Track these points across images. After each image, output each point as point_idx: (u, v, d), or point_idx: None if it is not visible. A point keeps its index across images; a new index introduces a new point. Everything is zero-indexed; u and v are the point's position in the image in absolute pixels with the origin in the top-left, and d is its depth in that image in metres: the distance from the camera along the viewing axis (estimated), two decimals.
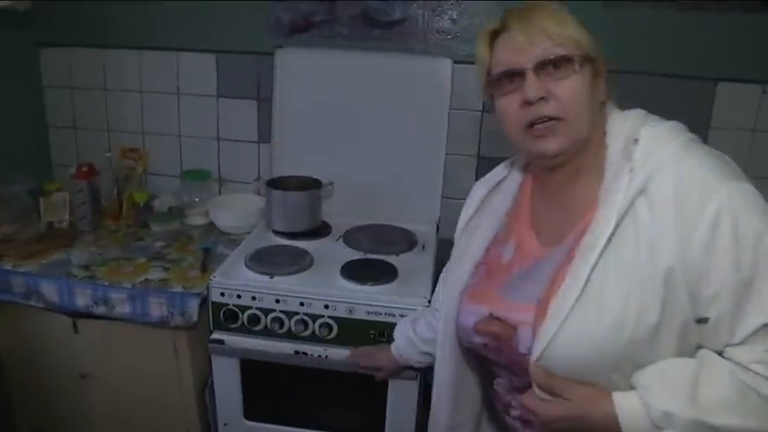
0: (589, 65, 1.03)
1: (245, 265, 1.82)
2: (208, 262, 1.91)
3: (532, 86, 1.01)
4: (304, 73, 2.16)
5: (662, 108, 2.19)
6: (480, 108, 2.18)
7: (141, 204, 2.20)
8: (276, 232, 2.04)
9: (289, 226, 2.02)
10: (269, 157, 2.27)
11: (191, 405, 1.89)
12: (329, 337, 1.72)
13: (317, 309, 1.70)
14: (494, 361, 1.14)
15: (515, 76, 1.04)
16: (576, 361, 0.98)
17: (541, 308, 1.02)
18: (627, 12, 2.05)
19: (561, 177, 1.10)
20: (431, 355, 1.51)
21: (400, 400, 1.75)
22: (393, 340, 1.62)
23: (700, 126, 2.12)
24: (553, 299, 1.00)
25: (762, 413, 0.91)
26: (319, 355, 1.73)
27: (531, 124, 1.04)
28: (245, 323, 1.74)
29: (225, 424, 1.88)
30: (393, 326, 1.65)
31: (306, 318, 1.71)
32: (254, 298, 1.72)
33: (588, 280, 0.96)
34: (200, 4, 2.22)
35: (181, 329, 1.79)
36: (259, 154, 2.34)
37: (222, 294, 1.74)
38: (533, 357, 1.00)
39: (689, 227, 0.92)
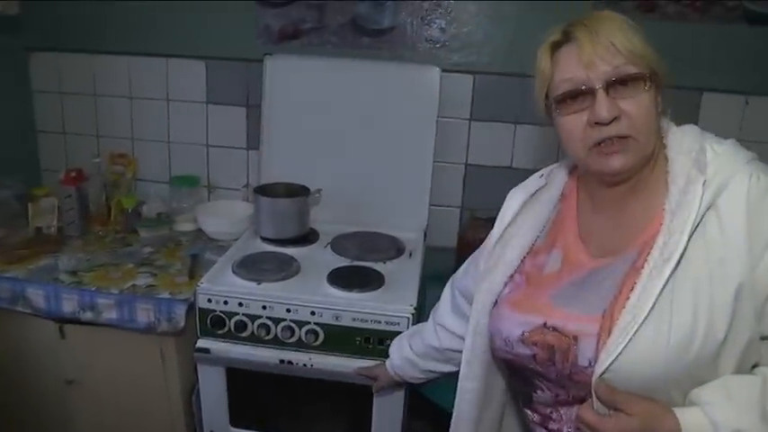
0: (655, 80, 1.00)
1: (233, 271, 1.82)
2: (195, 268, 1.91)
3: (604, 107, 0.97)
4: (293, 80, 2.17)
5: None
6: (468, 116, 2.20)
7: (130, 210, 2.21)
8: (264, 239, 2.05)
9: (277, 233, 2.03)
10: (258, 164, 2.28)
11: (177, 412, 1.89)
12: (315, 344, 1.72)
13: (304, 315, 1.71)
14: (538, 373, 1.09)
15: (581, 95, 1.00)
16: (642, 375, 0.94)
17: (607, 319, 0.98)
18: None
19: (621, 190, 1.06)
20: (433, 372, 1.52)
21: (386, 408, 1.75)
22: (379, 345, 1.63)
23: None
24: (622, 311, 0.96)
25: None
26: (304, 364, 1.73)
27: (599, 142, 1.00)
28: (232, 329, 1.74)
29: (211, 431, 1.88)
30: (379, 332, 1.67)
31: (292, 324, 1.71)
32: (240, 304, 1.73)
33: (660, 295, 0.93)
34: (190, 11, 2.23)
35: (168, 336, 1.79)
36: (248, 160, 2.35)
37: (209, 300, 1.74)
38: (599, 370, 0.95)
39: (761, 242, 0.91)
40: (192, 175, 2.35)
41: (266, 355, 1.74)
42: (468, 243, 2.17)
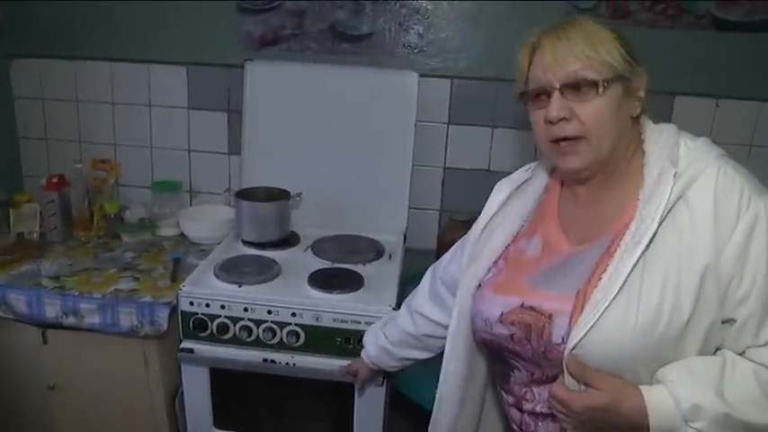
0: (619, 84, 1.05)
1: (215, 274, 1.85)
2: (178, 272, 1.93)
3: (554, 107, 1.05)
4: (273, 85, 2.20)
5: None
6: (446, 120, 2.24)
7: (112, 215, 2.22)
8: (245, 242, 2.07)
9: (258, 236, 2.05)
10: (239, 169, 2.30)
11: (161, 415, 1.91)
12: (296, 345, 1.75)
13: (285, 317, 1.74)
14: (514, 353, 1.14)
15: (543, 94, 1.08)
16: (611, 352, 0.99)
17: (580, 299, 1.03)
18: None
19: (593, 184, 1.13)
20: (408, 359, 1.55)
21: (367, 405, 1.78)
22: (359, 345, 1.66)
23: None
24: (593, 291, 1.01)
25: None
26: (287, 363, 1.75)
27: (557, 140, 1.07)
28: (214, 332, 1.76)
29: None
30: (359, 333, 1.69)
31: (273, 326, 1.74)
32: (222, 307, 1.75)
33: (630, 275, 0.99)
34: (171, 17, 2.25)
35: (151, 339, 1.81)
36: (229, 165, 2.37)
37: (191, 303, 1.76)
38: (570, 345, 1.01)
39: (726, 231, 0.97)
40: (174, 180, 2.37)
41: (249, 355, 1.76)
42: (447, 245, 2.17)
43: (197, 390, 1.83)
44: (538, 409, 1.14)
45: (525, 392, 1.16)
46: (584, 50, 1.04)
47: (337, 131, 2.19)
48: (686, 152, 1.04)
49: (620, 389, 1.00)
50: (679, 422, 0.96)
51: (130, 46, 2.31)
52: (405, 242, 2.17)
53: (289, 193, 2.09)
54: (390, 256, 2.04)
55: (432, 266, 1.54)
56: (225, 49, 2.26)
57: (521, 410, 1.18)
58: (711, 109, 2.18)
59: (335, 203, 2.20)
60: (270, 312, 1.74)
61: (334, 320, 1.72)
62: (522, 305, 1.11)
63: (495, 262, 1.22)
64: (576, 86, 1.04)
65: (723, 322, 1.00)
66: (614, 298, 0.98)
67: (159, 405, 1.89)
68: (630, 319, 0.98)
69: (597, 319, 0.98)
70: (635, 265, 0.99)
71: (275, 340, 1.75)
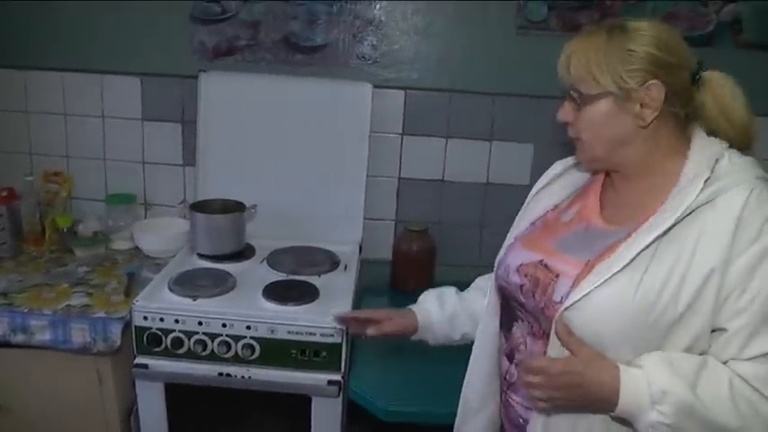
0: (609, 98, 1.11)
1: (169, 288, 1.83)
2: (132, 286, 1.91)
3: (560, 111, 1.18)
4: (227, 96, 2.20)
5: None
6: (400, 131, 2.27)
7: (65, 229, 2.19)
8: (201, 255, 2.06)
9: (213, 249, 2.05)
10: (194, 181, 2.29)
11: None
12: (252, 358, 1.74)
13: (240, 330, 1.73)
14: (520, 304, 1.23)
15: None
16: (601, 322, 1.06)
17: (588, 267, 1.11)
18: (539, 40, 2.18)
19: (623, 176, 1.20)
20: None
21: (324, 417, 1.78)
22: (315, 357, 1.69)
23: None
24: (602, 262, 1.09)
25: (749, 423, 1.00)
26: (243, 376, 1.75)
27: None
28: (169, 346, 1.75)
29: None
30: (314, 345, 1.71)
31: (228, 339, 1.74)
32: (176, 321, 1.74)
33: (639, 254, 1.05)
34: (124, 27, 2.23)
35: (104, 355, 1.78)
36: (184, 177, 2.35)
37: (145, 318, 1.74)
38: (567, 303, 1.08)
39: (742, 244, 1.02)
40: (129, 193, 2.34)
41: (205, 369, 1.75)
42: (402, 255, 2.23)
43: (152, 406, 1.82)
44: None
45: (520, 343, 1.24)
46: (573, 65, 1.13)
47: (292, 143, 2.19)
48: (727, 164, 1.09)
49: (598, 359, 1.05)
50: (646, 403, 1.00)
51: (82, 56, 2.28)
52: (360, 253, 2.19)
53: (244, 205, 2.09)
54: (346, 267, 2.05)
55: None
56: (179, 60, 2.24)
57: (511, 360, 1.27)
58: None
59: (291, 215, 2.20)
60: (224, 326, 1.73)
61: (289, 332, 1.72)
62: (540, 261, 1.21)
63: (533, 223, 1.33)
64: (572, 95, 1.15)
65: (713, 331, 1.04)
66: (619, 271, 1.05)
67: (114, 423, 1.86)
68: (628, 295, 1.04)
69: (597, 286, 1.06)
70: (646, 248, 1.05)
71: (230, 354, 1.75)
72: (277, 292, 1.82)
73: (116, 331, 1.74)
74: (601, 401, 1.04)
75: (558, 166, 1.39)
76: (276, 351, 1.74)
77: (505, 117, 2.25)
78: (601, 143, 1.15)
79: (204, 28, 2.22)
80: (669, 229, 1.05)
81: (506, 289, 1.28)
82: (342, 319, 1.57)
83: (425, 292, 1.58)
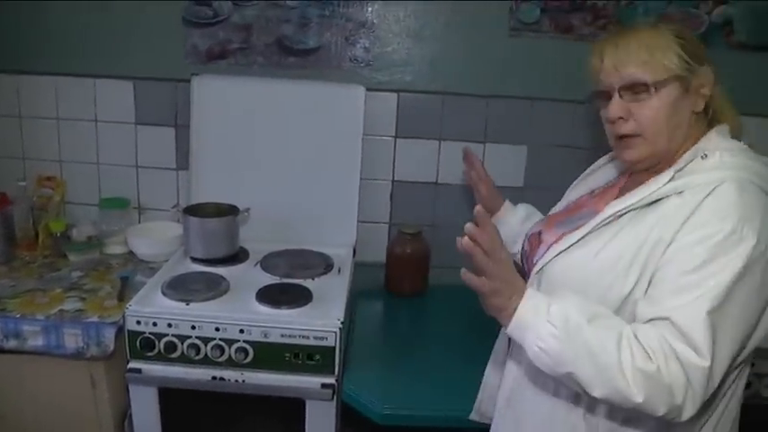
0: (676, 83, 1.15)
1: (162, 292, 1.83)
2: (125, 291, 1.91)
3: (613, 108, 1.18)
4: (220, 100, 2.19)
5: (572, 132, 2.33)
6: (393, 134, 2.27)
7: (58, 234, 2.18)
8: (194, 259, 2.06)
9: (206, 252, 2.04)
10: (188, 184, 2.28)
11: None
12: (245, 362, 1.73)
13: (233, 333, 1.72)
14: (520, 269, 1.30)
15: (604, 95, 1.21)
16: (560, 285, 1.18)
17: (559, 237, 1.26)
18: (531, 42, 2.18)
19: (654, 171, 1.22)
20: None
21: (318, 420, 1.77)
22: (308, 360, 1.70)
23: (606, 148, 2.25)
24: (570, 234, 1.22)
25: (624, 359, 1.02)
26: (236, 380, 1.74)
27: (617, 137, 1.22)
28: (162, 351, 1.74)
29: None
30: (307, 348, 1.71)
31: (221, 343, 1.73)
32: (169, 325, 1.73)
33: (597, 228, 1.17)
34: (116, 31, 2.23)
35: (97, 360, 1.78)
36: (177, 181, 2.35)
37: (138, 323, 1.73)
38: (536, 267, 1.26)
39: (688, 228, 1.07)
40: (122, 197, 2.33)
41: (198, 373, 1.75)
42: (396, 258, 2.23)
43: (146, 410, 1.81)
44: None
45: None
46: (639, 55, 1.15)
47: (285, 146, 2.19)
48: (713, 162, 1.14)
49: (514, 279, 1.11)
50: (542, 316, 1.06)
51: (75, 60, 2.27)
52: (354, 256, 2.18)
53: (237, 209, 2.08)
54: (340, 270, 2.05)
55: None
56: (171, 64, 2.24)
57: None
58: None
59: (285, 218, 2.20)
60: (218, 330, 1.72)
61: (283, 336, 1.71)
62: (539, 232, 1.37)
63: (567, 205, 1.45)
64: (631, 88, 1.16)
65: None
66: (581, 240, 1.18)
67: (107, 428, 1.86)
68: (586, 263, 1.16)
69: (560, 254, 1.21)
70: (607, 223, 1.16)
71: (224, 358, 1.74)
72: (270, 296, 1.82)
73: (109, 336, 1.74)
74: (505, 303, 1.09)
75: (602, 158, 1.49)
76: (269, 354, 1.73)
77: (499, 119, 2.26)
78: (665, 135, 1.17)
79: (197, 31, 2.22)
80: (629, 210, 1.14)
81: (519, 255, 1.48)
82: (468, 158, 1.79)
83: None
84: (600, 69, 1.21)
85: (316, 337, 1.70)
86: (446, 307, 2.21)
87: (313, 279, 1.96)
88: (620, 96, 1.17)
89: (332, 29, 2.19)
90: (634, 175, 1.31)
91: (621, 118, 1.17)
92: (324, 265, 2.06)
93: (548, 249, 1.25)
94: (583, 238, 1.18)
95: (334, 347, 1.72)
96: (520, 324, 1.09)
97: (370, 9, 2.18)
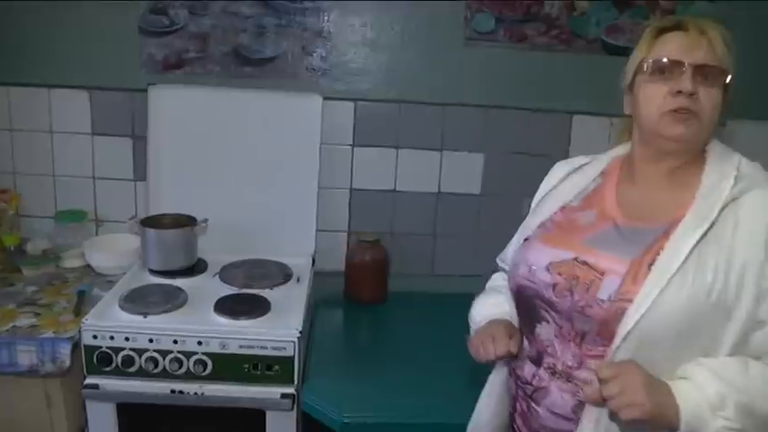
0: (727, 87, 1.17)
1: (119, 305, 1.81)
2: (82, 305, 1.88)
3: (689, 81, 1.14)
4: (178, 110, 2.18)
5: (529, 139, 2.36)
6: (351, 142, 2.28)
7: (12, 248, 2.15)
8: (152, 271, 2.04)
9: (164, 264, 2.03)
10: (145, 196, 2.26)
11: None
12: (204, 374, 1.73)
13: (191, 346, 1.72)
14: (548, 303, 1.21)
15: (674, 67, 1.16)
16: (659, 322, 1.06)
17: (635, 266, 1.11)
18: (486, 51, 2.22)
19: (664, 168, 1.22)
20: None
21: (279, 430, 1.77)
22: (267, 371, 1.70)
23: (561, 154, 2.30)
24: (653, 264, 1.10)
25: None
26: (195, 393, 1.74)
27: (674, 110, 1.16)
28: (120, 365, 1.72)
29: None
30: (266, 358, 1.71)
31: (180, 355, 1.72)
32: (127, 339, 1.72)
33: (688, 256, 1.08)
34: (71, 39, 2.20)
35: (53, 377, 1.74)
36: (135, 192, 2.33)
37: (95, 337, 1.72)
38: (638, 314, 1.06)
39: None
40: (79, 210, 2.30)
41: (157, 387, 1.74)
42: (355, 266, 2.24)
43: (104, 427, 1.78)
44: (558, 364, 1.20)
45: (547, 346, 1.22)
46: (720, 47, 1.16)
47: (243, 155, 2.19)
48: (747, 166, 1.17)
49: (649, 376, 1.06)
50: (707, 412, 1.02)
51: (29, 70, 2.23)
52: (314, 265, 2.19)
53: (195, 220, 2.07)
54: (298, 280, 2.05)
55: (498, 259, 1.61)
56: (128, 73, 2.22)
57: (538, 364, 1.24)
58: (606, 126, 2.29)
59: (244, 228, 2.19)
60: (176, 342, 1.72)
61: (241, 347, 1.72)
62: (575, 258, 1.19)
63: (542, 224, 1.32)
64: (706, 71, 1.14)
65: (758, 322, 1.08)
66: (677, 270, 1.07)
67: None
68: (684, 292, 1.06)
69: (662, 289, 1.06)
70: (693, 249, 1.08)
71: (182, 370, 1.73)
72: (228, 307, 1.82)
73: (65, 351, 1.71)
74: (664, 417, 1.04)
75: (562, 168, 1.42)
76: (228, 366, 1.73)
77: (455, 127, 2.28)
78: (709, 127, 1.17)
79: (153, 41, 2.21)
80: (711, 226, 1.10)
81: (530, 288, 1.25)
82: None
83: (485, 300, 1.50)
84: (663, 43, 1.20)
85: (274, 348, 1.71)
86: (405, 314, 2.23)
87: (271, 289, 1.96)
88: (692, 74, 1.15)
89: (288, 38, 2.20)
90: (628, 176, 1.28)
91: (693, 94, 1.14)
92: (282, 274, 2.06)
93: (622, 283, 1.11)
94: (678, 269, 1.08)
95: (292, 357, 1.73)
96: (689, 428, 1.04)
97: (326, 18, 2.19)
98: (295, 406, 1.74)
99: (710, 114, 1.15)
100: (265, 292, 1.93)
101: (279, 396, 1.73)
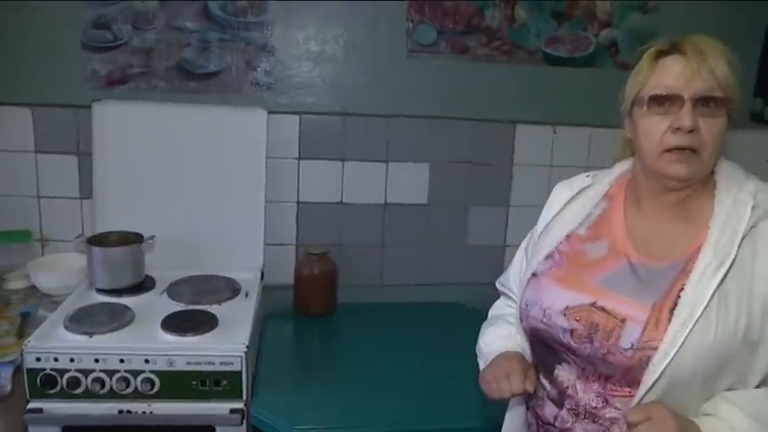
0: (730, 108, 1.12)
1: (64, 326, 1.78)
2: (25, 327, 1.85)
3: (688, 116, 1.08)
4: (122, 126, 2.17)
5: (474, 149, 2.40)
6: (297, 155, 2.29)
7: None
8: (99, 290, 2.02)
9: (111, 283, 2.01)
10: (92, 214, 2.23)
11: None
12: (152, 392, 1.72)
13: (138, 364, 1.71)
14: (568, 348, 1.17)
15: (671, 100, 1.11)
16: (687, 367, 1.04)
17: (656, 311, 1.08)
18: (429, 62, 2.25)
19: (670, 200, 1.18)
20: None
21: None
22: (215, 386, 1.69)
23: (506, 163, 2.36)
24: (676, 307, 1.06)
25: None
26: (144, 412, 1.72)
27: (671, 149, 1.11)
28: (65, 387, 1.70)
29: None
30: (214, 374, 1.71)
31: (127, 375, 1.70)
32: (72, 360, 1.69)
33: (713, 295, 1.04)
34: (11, 55, 2.16)
35: None
36: (82, 211, 2.29)
37: (38, 359, 1.69)
38: (664, 360, 1.04)
39: None
40: (24, 230, 2.25)
41: (104, 408, 1.72)
42: (304, 279, 2.25)
43: None
44: (581, 405, 1.17)
45: (567, 387, 1.19)
46: (722, 70, 1.10)
47: (189, 171, 2.19)
48: (762, 191, 1.13)
49: (679, 418, 1.04)
50: None
51: None
52: (263, 279, 2.19)
53: (142, 237, 2.06)
54: (247, 294, 2.05)
55: (497, 282, 1.57)
56: (71, 89, 2.19)
57: (560, 405, 1.21)
58: (550, 135, 2.35)
59: (191, 244, 2.19)
60: (122, 361, 1.70)
61: (188, 363, 1.71)
62: (593, 304, 1.15)
63: (550, 256, 1.27)
64: (707, 102, 1.09)
65: None
66: (701, 314, 1.04)
67: None
68: (710, 336, 1.03)
69: (688, 335, 1.03)
70: (717, 287, 1.05)
71: (130, 390, 1.72)
72: (175, 323, 1.81)
73: (5, 375, 1.67)
74: None
75: (564, 192, 1.36)
76: (176, 383, 1.72)
77: (400, 138, 2.32)
78: (714, 158, 1.13)
79: (96, 56, 2.19)
80: (732, 263, 1.06)
81: (545, 331, 1.21)
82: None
83: (494, 330, 1.42)
84: (661, 71, 1.14)
85: (222, 363, 1.71)
86: (355, 325, 2.25)
87: (219, 304, 1.96)
88: (692, 107, 1.09)
89: (232, 53, 2.20)
90: (634, 203, 1.25)
91: (693, 130, 1.09)
92: (230, 289, 2.06)
93: (644, 330, 1.08)
94: (707, 306, 1.05)
95: (240, 372, 1.73)
96: None
97: (269, 33, 2.20)
98: (245, 420, 1.73)
99: (714, 145, 1.11)
100: (213, 308, 1.93)
101: (228, 411, 1.73)
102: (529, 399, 1.31)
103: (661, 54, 1.15)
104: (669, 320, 1.06)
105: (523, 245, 1.46)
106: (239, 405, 1.74)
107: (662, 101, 1.12)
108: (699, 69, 1.09)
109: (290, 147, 2.28)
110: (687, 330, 1.03)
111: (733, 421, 1.03)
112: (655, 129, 1.13)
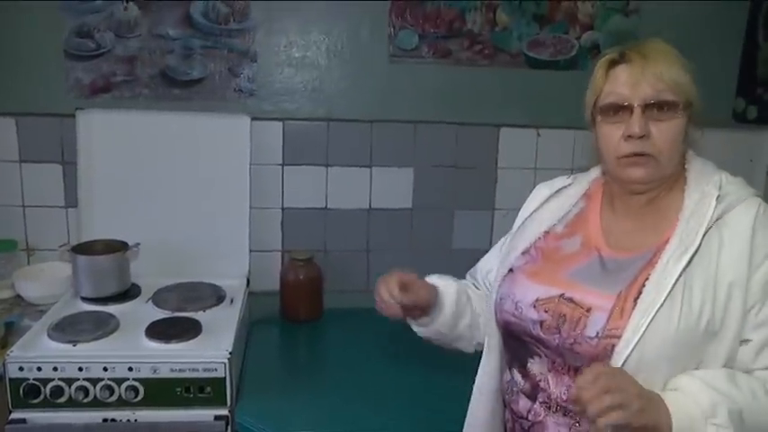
0: (689, 109, 1.14)
1: (48, 335, 1.78)
2: (9, 337, 1.85)
3: (637, 124, 1.12)
4: (107, 134, 2.17)
5: (458, 153, 2.40)
6: (280, 162, 2.30)
7: None
8: (84, 299, 2.02)
9: (97, 291, 2.01)
10: (77, 222, 2.23)
11: None
12: (136, 400, 1.71)
13: (122, 372, 1.70)
14: (538, 340, 1.20)
15: (622, 109, 1.15)
16: (651, 354, 1.06)
17: (621, 299, 1.11)
18: (411, 67, 2.26)
19: (639, 200, 1.21)
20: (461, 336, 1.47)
21: None
22: (199, 393, 1.69)
23: (490, 166, 2.36)
24: (640, 296, 1.09)
25: None
26: (128, 420, 1.72)
27: (628, 155, 1.15)
28: (48, 396, 1.69)
29: None
30: (198, 381, 1.70)
31: (111, 383, 1.70)
32: (55, 368, 1.69)
33: (675, 284, 1.07)
34: None
35: None
36: (67, 219, 2.28)
37: (21, 369, 1.68)
38: (627, 349, 1.05)
39: (758, 259, 1.08)
40: (9, 239, 2.26)
41: (88, 416, 1.71)
42: (290, 285, 2.25)
43: None
44: (553, 399, 1.19)
45: (540, 381, 1.21)
46: (668, 73, 1.13)
47: (174, 178, 2.19)
48: (728, 183, 1.16)
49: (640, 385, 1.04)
50: (699, 421, 1.02)
51: None
52: (248, 285, 2.19)
53: (127, 245, 2.06)
54: (232, 301, 2.05)
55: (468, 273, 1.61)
56: (55, 98, 2.19)
57: (533, 399, 1.23)
58: (533, 138, 2.36)
59: (177, 251, 2.19)
60: (106, 369, 1.70)
61: (172, 370, 1.71)
62: (561, 296, 1.18)
63: (527, 251, 1.30)
64: (657, 106, 1.13)
65: (742, 341, 1.10)
66: (664, 302, 1.06)
67: None
68: (673, 323, 1.06)
69: (650, 321, 1.05)
70: (679, 276, 1.08)
71: (114, 398, 1.71)
72: (159, 331, 1.81)
73: None
74: (655, 424, 1.02)
75: (543, 190, 1.40)
76: (160, 390, 1.72)
77: (384, 143, 2.32)
78: (674, 159, 1.16)
79: (79, 64, 2.19)
80: (696, 252, 1.09)
81: (516, 324, 1.24)
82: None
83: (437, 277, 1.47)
84: (612, 80, 1.17)
85: (205, 369, 1.71)
86: (341, 330, 2.25)
87: (204, 311, 1.96)
88: (643, 112, 1.13)
89: (215, 60, 2.21)
90: (609, 203, 1.28)
91: (643, 136, 1.12)
92: (216, 296, 2.06)
93: (609, 318, 1.10)
94: (670, 293, 1.07)
95: (224, 378, 1.73)
96: None
97: (252, 39, 2.20)
98: (229, 427, 1.73)
99: (669, 147, 1.14)
100: (198, 315, 1.93)
101: (212, 418, 1.73)
102: (506, 395, 1.33)
103: (613, 63, 1.19)
104: (633, 309, 1.09)
105: (500, 243, 1.51)
106: (224, 411, 1.74)
107: (614, 109, 1.16)
108: (644, 74, 1.13)
109: (274, 153, 2.28)
110: (649, 318, 1.06)
111: (694, 390, 1.04)
112: (610, 136, 1.17)
